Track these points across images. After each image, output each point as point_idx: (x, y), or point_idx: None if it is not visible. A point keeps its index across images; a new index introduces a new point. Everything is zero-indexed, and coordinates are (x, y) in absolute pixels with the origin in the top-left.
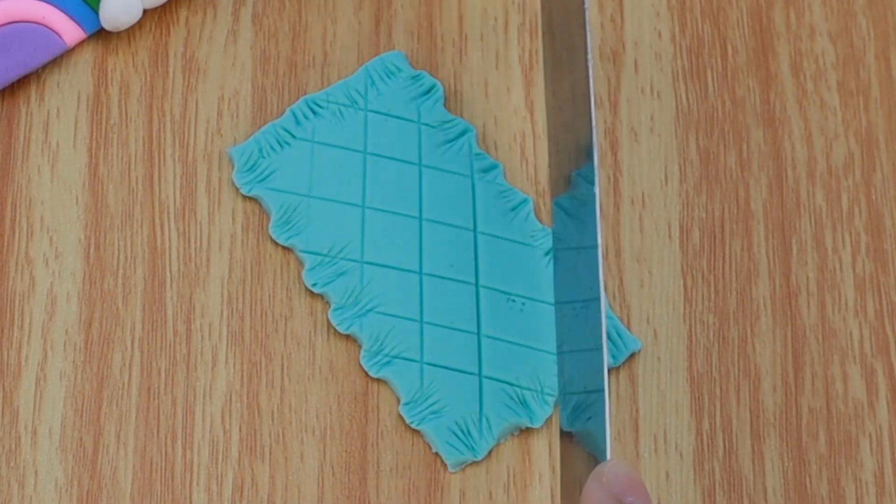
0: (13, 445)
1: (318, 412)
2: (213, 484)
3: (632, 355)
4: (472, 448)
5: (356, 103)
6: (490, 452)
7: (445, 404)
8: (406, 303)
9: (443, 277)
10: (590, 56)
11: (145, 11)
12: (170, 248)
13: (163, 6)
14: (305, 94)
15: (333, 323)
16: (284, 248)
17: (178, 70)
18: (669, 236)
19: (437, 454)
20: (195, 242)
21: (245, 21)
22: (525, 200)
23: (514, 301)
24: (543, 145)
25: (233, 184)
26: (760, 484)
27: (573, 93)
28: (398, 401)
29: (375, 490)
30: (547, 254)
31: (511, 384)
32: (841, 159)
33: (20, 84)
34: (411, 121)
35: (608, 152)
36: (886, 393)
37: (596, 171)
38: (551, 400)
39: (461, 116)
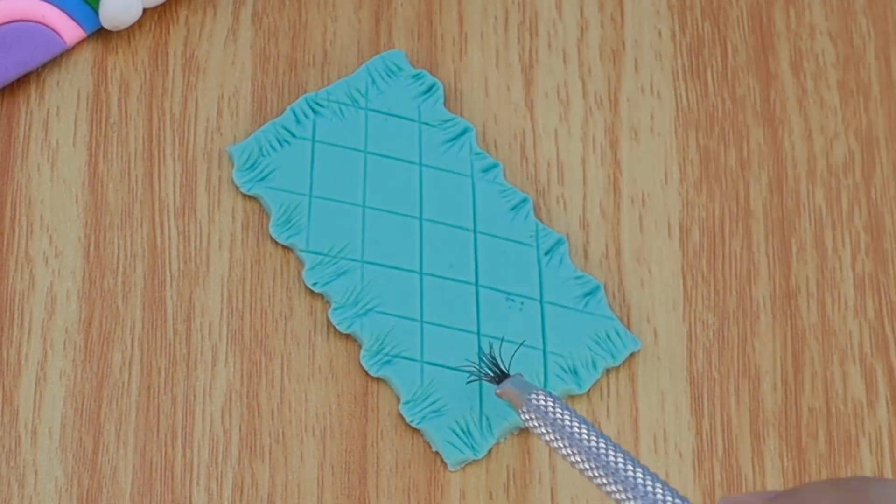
0: (13, 445)
1: (318, 411)
2: (213, 483)
3: (632, 355)
4: (472, 447)
5: (356, 102)
6: (490, 451)
7: (445, 403)
8: (406, 302)
9: (443, 277)
10: None
11: (145, 10)
12: (170, 246)
13: (162, 5)
14: (305, 92)
15: (333, 322)
16: (284, 247)
17: (178, 69)
18: (669, 236)
19: (436, 453)
20: (195, 241)
21: (245, 20)
22: (525, 200)
23: (513, 300)
24: (543, 144)
25: (233, 182)
26: (760, 484)
27: None
28: (398, 400)
29: (375, 489)
30: (547, 253)
31: None
32: (841, 159)
33: (20, 83)
34: (411, 120)
35: (608, 152)
36: (886, 393)
37: None
38: None
39: (461, 115)
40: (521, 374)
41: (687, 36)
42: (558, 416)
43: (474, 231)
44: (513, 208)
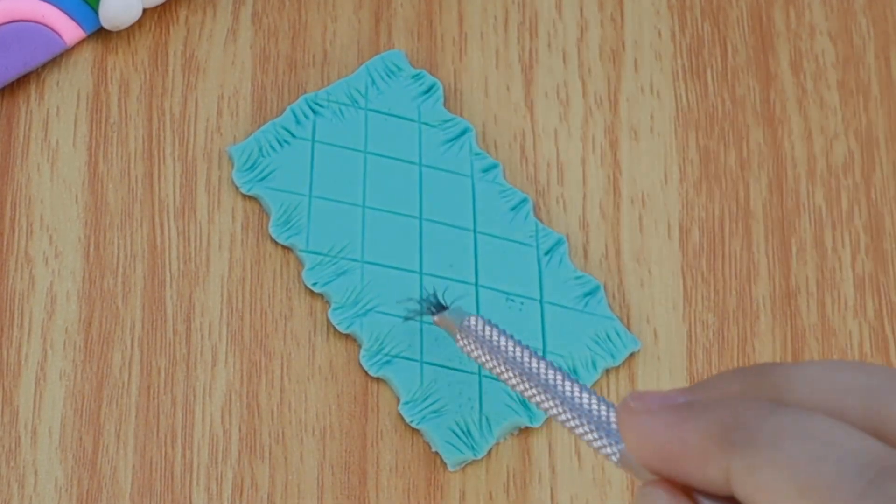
0: (13, 445)
1: (318, 412)
2: (213, 483)
3: (631, 355)
4: (472, 447)
5: (356, 102)
6: (490, 452)
7: (445, 404)
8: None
9: (442, 277)
10: None
11: (145, 10)
12: (169, 247)
13: (162, 5)
14: (305, 92)
15: (333, 322)
16: (284, 247)
17: (178, 69)
18: (669, 236)
19: (436, 453)
20: (195, 241)
21: (245, 20)
22: (525, 200)
23: (513, 301)
24: (543, 144)
25: (232, 183)
26: None
27: None
28: (398, 400)
29: (375, 489)
30: (547, 253)
31: None
32: (841, 159)
33: (20, 83)
34: (411, 120)
35: (608, 152)
36: None
37: None
38: None
39: (461, 115)
40: (460, 306)
41: (687, 36)
42: (494, 339)
43: (474, 231)
44: (512, 208)
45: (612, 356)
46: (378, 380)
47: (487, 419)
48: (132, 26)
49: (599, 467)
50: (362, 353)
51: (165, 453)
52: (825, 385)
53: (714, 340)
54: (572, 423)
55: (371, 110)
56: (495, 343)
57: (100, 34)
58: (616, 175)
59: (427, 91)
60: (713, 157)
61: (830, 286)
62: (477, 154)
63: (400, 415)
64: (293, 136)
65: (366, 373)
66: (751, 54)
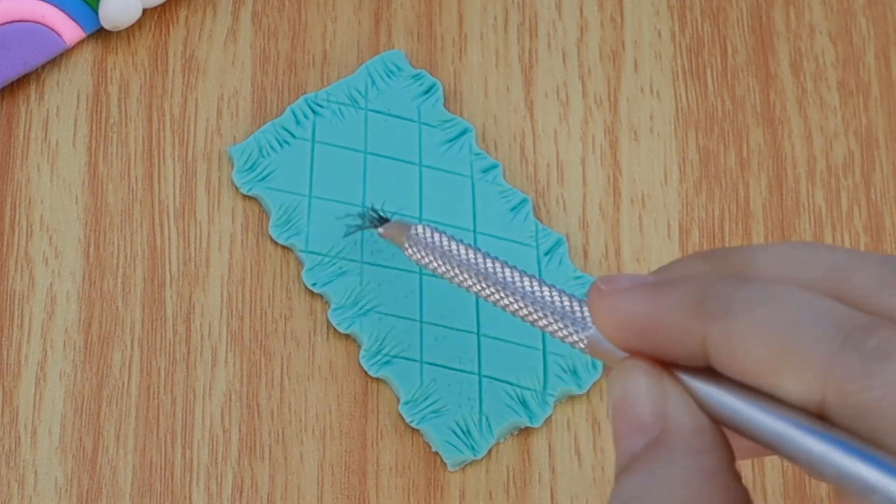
0: (13, 445)
1: (318, 412)
2: (213, 483)
3: None
4: (472, 447)
5: (356, 103)
6: (490, 452)
7: (445, 404)
8: (405, 302)
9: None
10: None
11: (145, 11)
12: (169, 247)
13: (162, 5)
14: (305, 93)
15: (333, 323)
16: (284, 247)
17: (178, 69)
18: (669, 236)
19: (436, 453)
20: (195, 242)
21: (245, 20)
22: (525, 200)
23: None
24: (543, 145)
25: (232, 183)
26: (760, 484)
27: None
28: (398, 400)
29: (375, 489)
30: (546, 254)
31: (511, 384)
32: (841, 159)
33: (20, 83)
34: (411, 120)
35: (608, 152)
36: None
37: None
38: (551, 400)
39: (461, 116)
40: (402, 217)
41: (687, 36)
42: (444, 244)
43: (474, 231)
44: (512, 209)
45: None
46: (378, 380)
47: (487, 419)
48: (132, 26)
49: (599, 467)
50: (362, 353)
51: (165, 453)
52: (789, 261)
53: None
54: (535, 317)
55: (371, 110)
56: (446, 248)
57: (100, 34)
58: (616, 175)
59: (427, 91)
60: (713, 158)
61: None
62: (477, 154)
63: (400, 415)
64: (293, 136)
65: (366, 373)
66: (751, 54)
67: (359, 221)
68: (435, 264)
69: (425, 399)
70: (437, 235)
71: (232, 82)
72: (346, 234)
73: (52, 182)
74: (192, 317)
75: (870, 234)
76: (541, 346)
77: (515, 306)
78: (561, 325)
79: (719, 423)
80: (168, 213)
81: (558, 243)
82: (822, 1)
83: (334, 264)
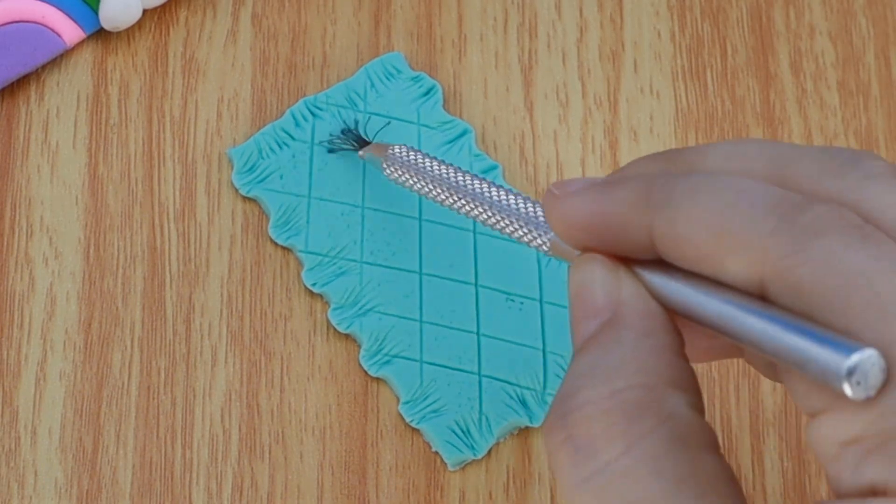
0: (13, 445)
1: (318, 411)
2: (213, 483)
3: None
4: (472, 447)
5: (356, 105)
6: (490, 451)
7: (445, 403)
8: (405, 302)
9: (442, 277)
10: None
11: (145, 11)
12: (169, 248)
13: (162, 6)
14: (305, 95)
15: (333, 322)
16: (284, 248)
17: (178, 70)
18: None
19: (436, 453)
20: (195, 243)
21: (245, 22)
22: None
23: (513, 301)
24: (543, 145)
25: (232, 185)
26: (760, 484)
27: None
28: (398, 400)
29: (375, 489)
30: None
31: (511, 384)
32: None
33: (20, 84)
34: (411, 122)
35: (608, 153)
36: None
37: None
38: (551, 400)
39: (461, 117)
40: (381, 140)
41: (686, 36)
42: (419, 161)
43: (474, 231)
44: None
45: None
46: (378, 379)
47: (487, 419)
48: (132, 27)
49: None
50: (362, 353)
51: (165, 453)
52: (735, 155)
53: None
54: (502, 225)
55: (370, 113)
56: (420, 165)
57: (100, 35)
58: None
59: (426, 93)
60: None
61: None
62: (476, 155)
63: (400, 414)
64: (292, 138)
65: (365, 373)
66: (751, 54)
67: (341, 139)
68: (411, 182)
69: (425, 399)
70: (412, 154)
71: (232, 84)
72: (330, 151)
73: (53, 183)
74: (192, 317)
75: None
76: (541, 346)
77: (484, 216)
78: (525, 231)
79: (671, 312)
80: (168, 214)
81: None
82: (822, 1)
83: (334, 264)
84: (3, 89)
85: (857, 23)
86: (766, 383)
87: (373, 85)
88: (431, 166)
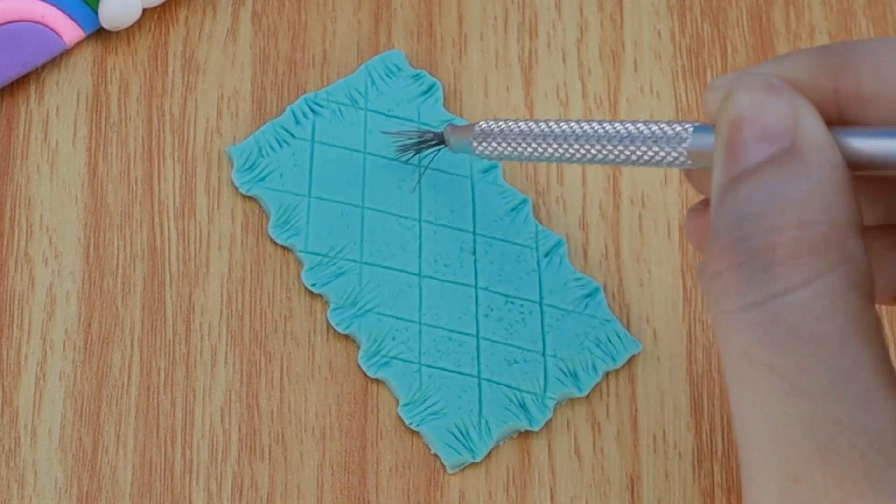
0: (13, 445)
1: (318, 412)
2: (213, 483)
3: (631, 356)
4: (471, 450)
5: (356, 103)
6: (489, 453)
7: (444, 406)
8: (405, 304)
9: (441, 279)
10: None
11: (145, 11)
12: (169, 247)
13: (162, 5)
14: (305, 93)
15: (332, 323)
16: (284, 248)
17: (178, 69)
18: (669, 236)
19: (435, 455)
20: (195, 242)
21: (244, 20)
22: (525, 201)
23: (513, 303)
24: None
25: (232, 183)
26: None
27: None
28: (397, 401)
29: (375, 490)
30: (546, 255)
31: (510, 387)
32: None
33: (19, 83)
34: (411, 120)
35: None
36: None
37: None
38: (551, 403)
39: (461, 116)
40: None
41: (687, 36)
42: (512, 127)
43: (473, 233)
44: (512, 210)
45: (613, 359)
46: (377, 381)
47: (487, 422)
48: (132, 26)
49: (599, 467)
50: (361, 354)
51: (165, 453)
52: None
53: (714, 341)
54: (627, 153)
55: (371, 111)
56: (516, 129)
57: (100, 34)
58: (616, 175)
59: (427, 91)
60: None
61: None
62: None
63: (399, 416)
64: (293, 136)
65: (365, 374)
66: (751, 54)
67: (415, 140)
68: (511, 148)
69: (424, 401)
70: (501, 123)
71: (232, 82)
72: (406, 159)
73: (52, 182)
74: (192, 317)
75: None
76: (541, 349)
77: (604, 152)
78: (656, 150)
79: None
80: (168, 213)
81: (558, 244)
82: (822, 1)
83: (334, 264)
84: (3, 89)
85: (857, 23)
86: None
87: (373, 82)
88: (529, 126)
